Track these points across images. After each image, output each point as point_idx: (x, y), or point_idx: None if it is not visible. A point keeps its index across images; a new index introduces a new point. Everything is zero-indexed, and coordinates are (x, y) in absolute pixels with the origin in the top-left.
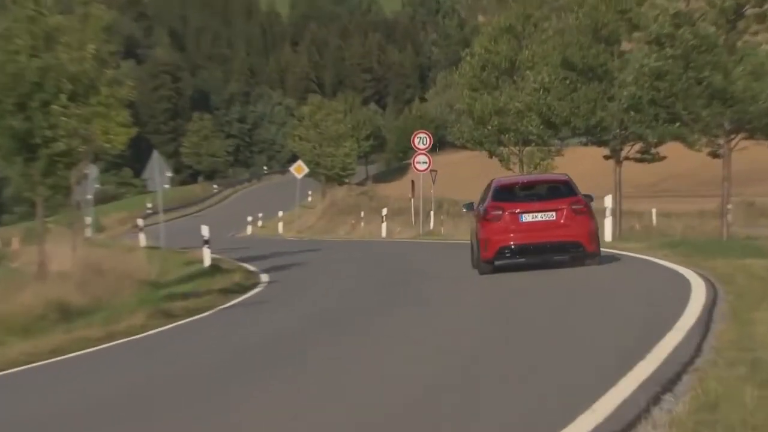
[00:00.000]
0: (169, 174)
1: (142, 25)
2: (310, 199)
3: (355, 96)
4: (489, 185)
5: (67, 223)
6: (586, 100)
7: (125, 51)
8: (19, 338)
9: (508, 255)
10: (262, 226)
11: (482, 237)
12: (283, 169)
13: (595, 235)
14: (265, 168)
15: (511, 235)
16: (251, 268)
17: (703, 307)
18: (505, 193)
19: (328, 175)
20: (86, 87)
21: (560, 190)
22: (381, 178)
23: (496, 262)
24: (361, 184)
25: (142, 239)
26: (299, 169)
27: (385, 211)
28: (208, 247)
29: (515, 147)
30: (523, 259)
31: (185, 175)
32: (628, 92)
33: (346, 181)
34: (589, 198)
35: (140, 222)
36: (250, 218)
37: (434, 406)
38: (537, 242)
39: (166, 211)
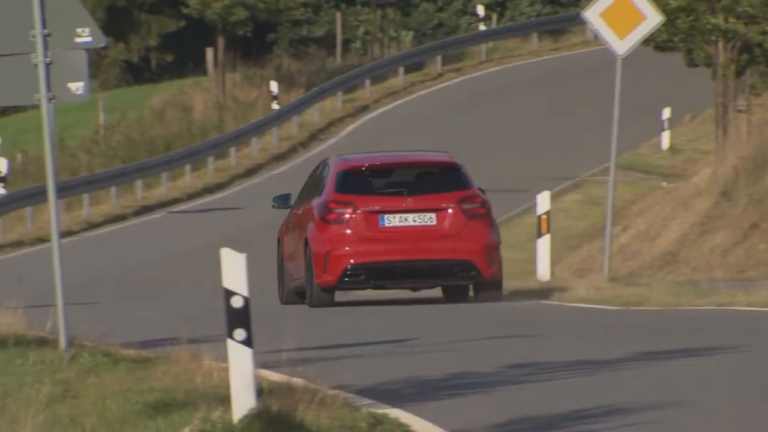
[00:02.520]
0: None
1: None
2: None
3: None
4: (321, 168)
5: None
6: None
7: None
8: None
9: (361, 278)
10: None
11: (318, 249)
12: None
13: (496, 252)
14: None
15: (367, 246)
16: None
17: None
18: (356, 181)
19: None
20: None
21: (444, 180)
22: None
23: (339, 290)
24: None
25: None
26: None
27: None
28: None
29: None
30: (382, 287)
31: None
32: None
33: None
34: (481, 192)
35: None
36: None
37: None
38: (407, 260)
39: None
